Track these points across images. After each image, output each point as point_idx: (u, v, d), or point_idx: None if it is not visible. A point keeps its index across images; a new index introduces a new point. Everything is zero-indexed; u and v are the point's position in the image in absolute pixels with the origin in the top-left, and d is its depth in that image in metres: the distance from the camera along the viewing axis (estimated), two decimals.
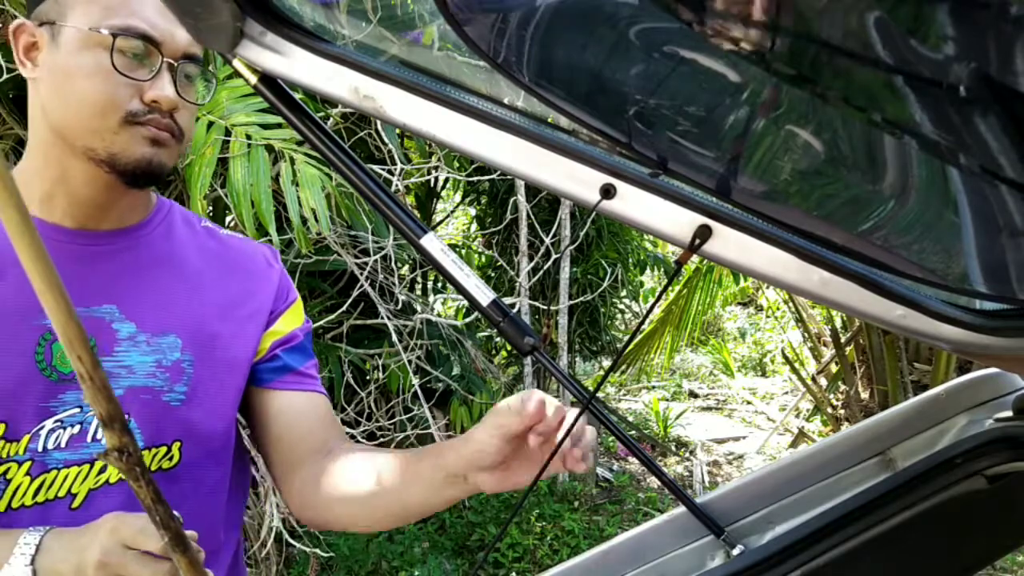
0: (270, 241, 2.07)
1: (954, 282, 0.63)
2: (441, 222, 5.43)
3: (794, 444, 5.33)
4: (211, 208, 2.53)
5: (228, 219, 2.57)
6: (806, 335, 5.39)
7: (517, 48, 0.58)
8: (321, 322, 2.93)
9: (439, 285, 4.56)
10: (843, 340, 4.62)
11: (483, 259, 5.15)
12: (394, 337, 3.03)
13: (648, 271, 5.67)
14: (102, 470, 0.91)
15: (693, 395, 7.30)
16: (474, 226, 5.72)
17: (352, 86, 0.72)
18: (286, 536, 2.67)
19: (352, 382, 3.11)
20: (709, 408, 6.95)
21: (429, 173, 3.58)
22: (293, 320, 1.07)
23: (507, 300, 3.65)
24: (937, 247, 0.60)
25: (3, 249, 0.88)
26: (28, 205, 0.89)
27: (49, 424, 0.88)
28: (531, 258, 4.06)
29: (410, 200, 4.58)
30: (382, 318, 3.01)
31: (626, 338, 5.94)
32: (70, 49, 0.86)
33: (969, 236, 0.53)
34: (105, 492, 0.91)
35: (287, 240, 2.52)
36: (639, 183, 0.67)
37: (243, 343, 1.01)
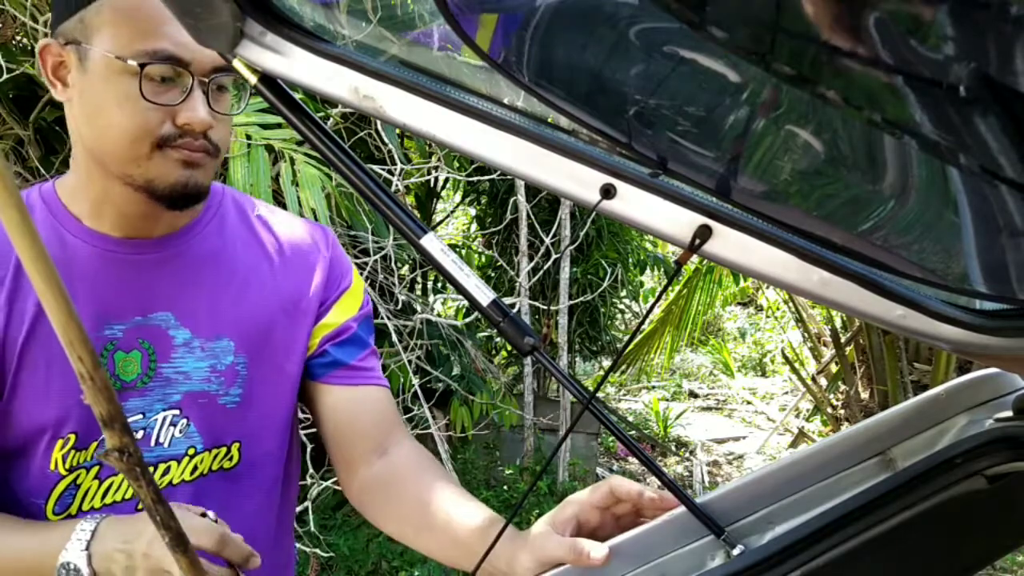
0: None
1: (954, 282, 0.63)
2: (441, 222, 5.43)
3: (794, 444, 5.33)
4: None
5: None
6: (806, 335, 5.39)
7: (517, 48, 0.58)
8: None
9: (439, 285, 4.56)
10: (843, 340, 4.62)
11: (483, 259, 5.15)
12: (394, 337, 3.03)
13: (648, 271, 5.68)
14: (165, 472, 0.94)
15: (693, 395, 7.29)
16: (474, 226, 5.72)
17: (352, 86, 0.72)
18: None
19: None
20: (709, 408, 6.95)
21: (429, 173, 3.58)
22: (347, 309, 1.06)
23: (507, 300, 3.65)
24: (937, 247, 0.60)
25: (63, 267, 0.88)
26: (80, 217, 0.92)
27: None
28: (531, 258, 4.06)
29: (410, 200, 4.58)
30: (382, 318, 3.01)
31: (626, 338, 5.94)
32: (98, 75, 0.84)
33: (969, 236, 0.53)
34: (169, 493, 0.93)
35: None
36: (639, 183, 0.67)
37: (295, 340, 1.02)
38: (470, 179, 3.91)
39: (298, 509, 2.76)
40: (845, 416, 4.59)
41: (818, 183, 0.59)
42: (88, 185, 0.90)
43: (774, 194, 0.64)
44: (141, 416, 0.92)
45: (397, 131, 3.06)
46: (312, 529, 2.85)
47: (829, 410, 4.80)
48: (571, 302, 4.37)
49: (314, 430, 2.59)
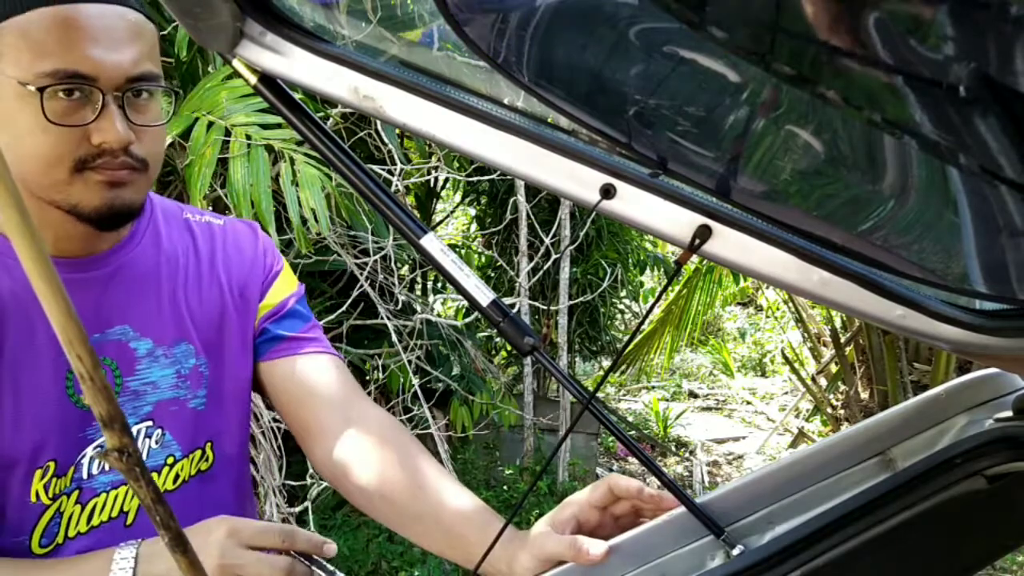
0: None
1: (954, 282, 0.63)
2: (441, 222, 5.43)
3: (794, 444, 5.33)
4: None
5: None
6: (806, 335, 5.39)
7: (517, 48, 0.58)
8: (321, 322, 2.93)
9: (439, 285, 4.56)
10: (843, 340, 4.62)
11: (483, 259, 5.15)
12: (394, 337, 3.03)
13: (648, 271, 5.68)
14: None
15: (693, 395, 7.29)
16: (474, 226, 5.72)
17: (352, 86, 0.72)
18: None
19: None
20: (709, 408, 6.95)
21: (429, 173, 3.58)
22: (282, 290, 1.05)
23: (507, 300, 3.65)
24: (937, 247, 0.60)
25: (21, 293, 0.85)
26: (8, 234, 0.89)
27: (89, 452, 0.88)
28: (531, 258, 4.06)
29: (410, 200, 4.58)
30: (382, 318, 3.01)
31: (626, 338, 5.94)
32: (7, 102, 0.80)
33: (969, 236, 0.53)
34: None
35: (287, 240, 2.52)
36: (639, 183, 0.67)
37: (247, 331, 1.02)
38: (470, 179, 3.91)
39: (298, 509, 2.76)
40: (845, 416, 4.59)
41: (818, 183, 0.59)
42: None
43: (774, 194, 0.64)
44: None
45: (397, 131, 3.06)
46: (312, 529, 2.85)
47: (829, 410, 4.80)
48: (571, 302, 4.37)
49: None
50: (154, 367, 0.93)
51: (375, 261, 2.92)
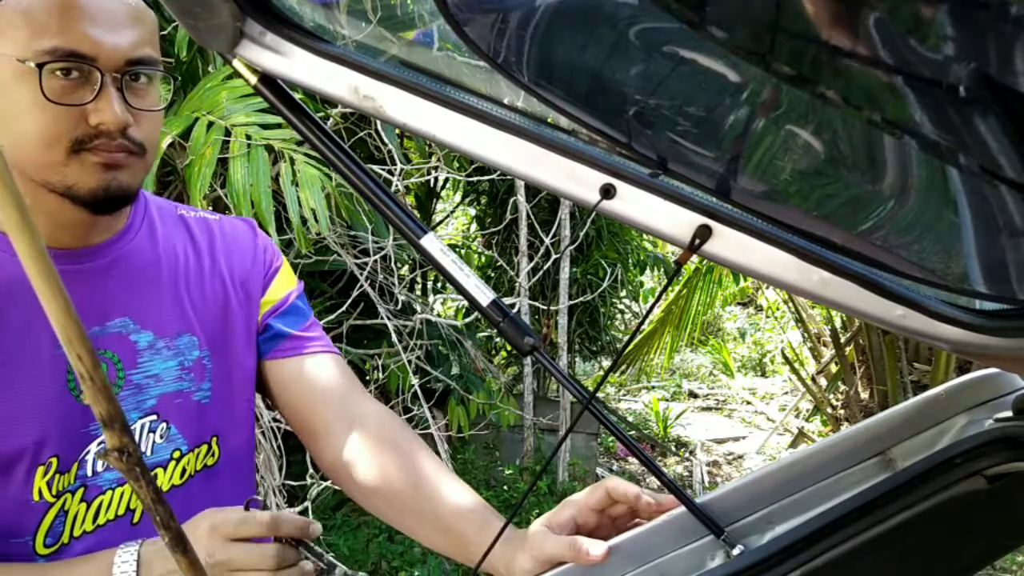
0: None
1: (954, 282, 0.63)
2: (441, 222, 5.43)
3: (794, 444, 5.33)
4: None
5: None
6: (806, 335, 5.39)
7: (517, 48, 0.58)
8: (321, 322, 2.93)
9: (439, 285, 4.56)
10: (843, 340, 4.62)
11: (483, 259, 5.15)
12: (394, 337, 3.03)
13: (648, 271, 5.68)
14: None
15: (693, 395, 7.29)
16: (474, 226, 5.72)
17: (352, 86, 0.72)
18: None
19: None
20: (709, 408, 6.95)
21: (429, 173, 3.58)
22: (283, 285, 1.05)
23: (507, 300, 3.65)
24: (937, 247, 0.60)
25: (15, 288, 0.84)
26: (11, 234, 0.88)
27: (93, 448, 0.87)
28: (531, 258, 4.06)
29: (410, 200, 4.58)
30: (382, 318, 3.01)
31: (626, 338, 5.94)
32: (4, 81, 0.80)
33: (969, 236, 0.53)
34: None
35: (287, 240, 2.52)
36: (639, 183, 0.67)
37: (249, 321, 1.01)
38: (470, 179, 3.91)
39: (298, 509, 2.76)
40: (845, 416, 4.59)
41: (818, 183, 0.59)
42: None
43: (774, 194, 0.64)
44: None
45: (397, 131, 3.06)
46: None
47: (829, 410, 4.80)
48: (571, 302, 4.37)
49: None
50: (156, 359, 0.92)
51: (375, 261, 2.92)
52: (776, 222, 0.64)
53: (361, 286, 2.91)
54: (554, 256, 3.99)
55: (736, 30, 0.43)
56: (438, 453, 3.60)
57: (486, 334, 4.94)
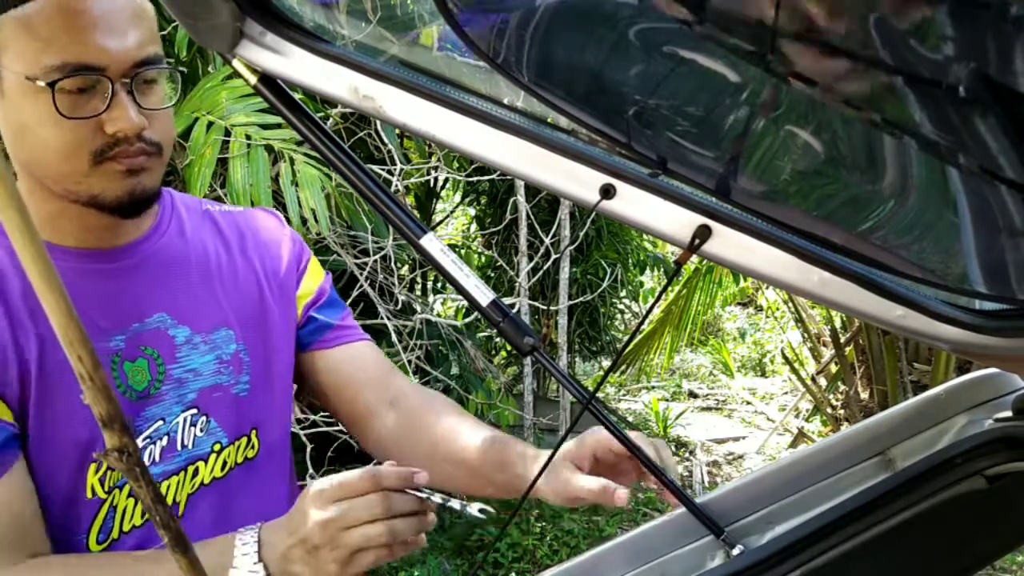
0: None
1: (954, 282, 0.63)
2: (441, 222, 5.43)
3: (794, 444, 5.32)
4: None
5: None
6: (806, 335, 5.39)
7: (517, 48, 0.58)
8: None
9: (439, 285, 4.56)
10: (843, 340, 4.62)
11: (483, 259, 5.14)
12: (393, 337, 3.03)
13: (648, 271, 5.67)
14: (195, 474, 0.93)
15: (693, 395, 7.29)
16: (474, 226, 5.72)
17: (352, 86, 0.72)
18: None
19: None
20: (709, 408, 6.94)
21: (429, 173, 3.58)
22: (315, 276, 1.07)
23: (507, 300, 3.64)
24: (937, 247, 0.60)
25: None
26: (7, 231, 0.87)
27: (139, 443, 0.89)
28: (531, 258, 4.06)
29: (410, 200, 4.58)
30: (382, 318, 3.01)
31: (626, 338, 5.94)
32: (15, 97, 0.80)
33: (969, 236, 0.53)
34: (201, 494, 0.93)
35: None
36: (639, 183, 0.67)
37: (286, 314, 1.03)
38: (470, 179, 3.91)
39: None
40: (845, 416, 4.59)
41: (818, 183, 0.59)
42: (35, 202, 0.85)
43: (774, 194, 0.64)
44: (162, 422, 0.90)
45: (397, 131, 3.06)
46: None
47: (829, 410, 4.80)
48: (571, 302, 4.36)
49: (315, 430, 2.59)
50: (194, 354, 0.93)
51: (375, 261, 2.91)
52: (776, 222, 0.64)
53: (361, 286, 2.91)
54: (554, 256, 3.98)
55: (736, 30, 0.43)
56: None
57: (486, 334, 4.93)
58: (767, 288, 7.15)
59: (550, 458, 0.81)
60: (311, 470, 2.74)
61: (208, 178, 2.12)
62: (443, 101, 0.69)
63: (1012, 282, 0.57)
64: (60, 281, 0.27)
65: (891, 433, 0.77)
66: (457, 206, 5.64)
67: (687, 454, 5.72)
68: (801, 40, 0.41)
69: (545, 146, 0.68)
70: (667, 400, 6.93)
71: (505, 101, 0.71)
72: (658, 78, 0.55)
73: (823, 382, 4.99)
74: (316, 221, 2.22)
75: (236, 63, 0.78)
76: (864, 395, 4.43)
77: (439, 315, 4.32)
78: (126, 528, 0.88)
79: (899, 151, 0.49)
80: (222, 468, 0.95)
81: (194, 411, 0.93)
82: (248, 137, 2.18)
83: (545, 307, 4.27)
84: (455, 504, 0.78)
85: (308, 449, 2.64)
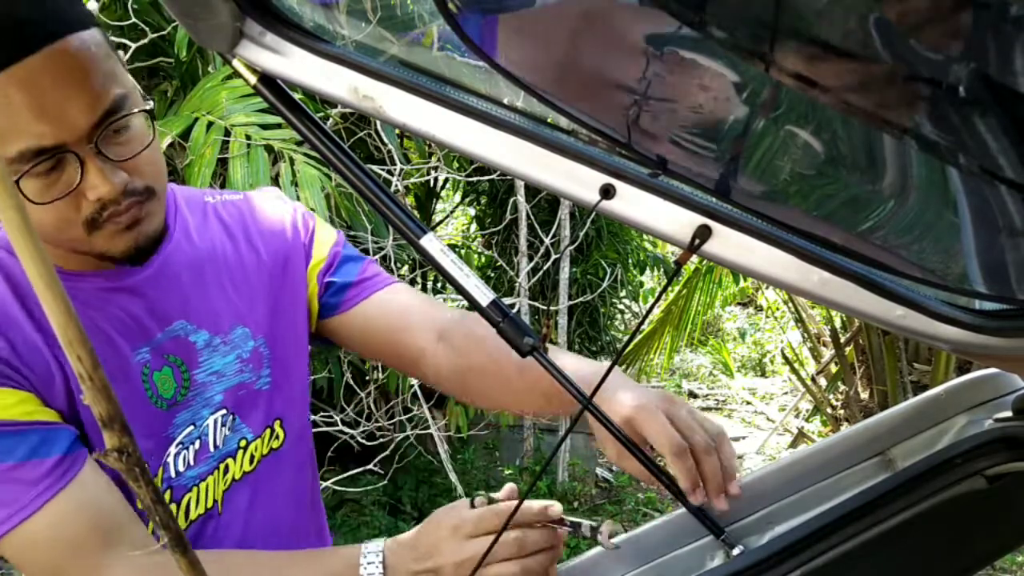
0: None
1: (954, 282, 0.63)
2: (441, 222, 5.42)
3: (794, 444, 5.32)
4: None
5: None
6: (806, 335, 5.39)
7: (516, 48, 0.58)
8: None
9: (439, 285, 4.56)
10: (843, 340, 4.62)
11: (483, 259, 5.14)
12: None
13: (648, 271, 5.67)
14: (225, 471, 0.94)
15: (693, 395, 7.29)
16: (474, 226, 5.72)
17: (352, 86, 0.72)
18: None
19: (352, 383, 3.11)
20: (709, 408, 6.94)
21: (429, 173, 3.58)
22: (325, 242, 1.07)
23: (507, 300, 3.64)
24: (937, 247, 0.60)
25: (88, 298, 0.85)
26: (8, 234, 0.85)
27: (173, 450, 0.90)
28: (531, 258, 4.06)
29: (410, 200, 4.57)
30: None
31: (626, 338, 5.93)
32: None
33: (969, 236, 0.53)
34: (234, 490, 0.95)
35: None
36: (639, 183, 0.67)
37: (298, 298, 1.03)
38: (470, 179, 3.91)
39: None
40: (845, 416, 4.59)
41: (818, 183, 0.59)
42: (48, 247, 0.82)
43: (774, 194, 0.64)
44: (193, 427, 0.91)
45: (397, 131, 3.06)
46: None
47: (829, 410, 4.80)
48: (571, 302, 4.36)
49: (315, 430, 2.59)
50: (215, 356, 0.94)
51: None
52: (776, 222, 0.64)
53: None
54: (554, 256, 3.98)
55: (736, 30, 0.43)
56: (438, 454, 3.61)
57: None
58: (767, 288, 7.15)
59: (565, 434, 0.83)
60: None
61: (208, 178, 2.12)
62: (443, 101, 0.69)
63: (1012, 282, 0.57)
64: (59, 283, 0.27)
65: (891, 433, 0.78)
66: (457, 206, 5.64)
67: None
68: (800, 40, 0.41)
69: (545, 146, 0.68)
70: None
71: (505, 101, 0.70)
72: (658, 78, 0.55)
73: (823, 382, 4.99)
74: None
75: (236, 63, 0.78)
76: (864, 395, 4.43)
77: None
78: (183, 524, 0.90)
79: (899, 151, 0.49)
80: (251, 462, 0.97)
81: (223, 412, 0.94)
82: (248, 137, 2.18)
83: (545, 307, 4.27)
84: (586, 531, 0.78)
85: None
